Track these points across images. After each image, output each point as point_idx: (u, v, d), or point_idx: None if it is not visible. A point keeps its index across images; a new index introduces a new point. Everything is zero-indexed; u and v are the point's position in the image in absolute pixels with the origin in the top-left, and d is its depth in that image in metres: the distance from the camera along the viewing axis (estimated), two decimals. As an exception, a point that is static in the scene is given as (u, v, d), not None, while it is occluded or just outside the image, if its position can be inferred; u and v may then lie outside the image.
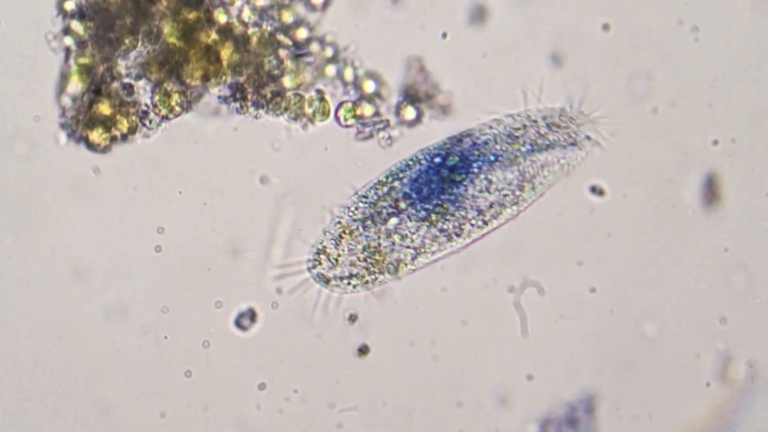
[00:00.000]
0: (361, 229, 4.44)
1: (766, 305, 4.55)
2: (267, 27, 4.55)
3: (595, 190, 4.56)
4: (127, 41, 4.49)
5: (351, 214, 4.45)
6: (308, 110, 4.58)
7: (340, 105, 4.60)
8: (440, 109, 4.61)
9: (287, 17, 4.56)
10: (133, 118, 4.53)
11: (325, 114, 4.59)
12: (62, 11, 4.53)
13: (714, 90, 4.60)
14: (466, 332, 4.64)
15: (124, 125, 4.53)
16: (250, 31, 4.54)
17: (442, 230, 4.43)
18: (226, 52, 4.51)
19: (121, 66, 4.51)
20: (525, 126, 4.45)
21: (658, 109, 4.63)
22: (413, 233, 4.43)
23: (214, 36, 4.51)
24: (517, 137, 4.44)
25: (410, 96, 4.60)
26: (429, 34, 4.60)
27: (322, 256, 4.47)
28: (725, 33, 4.62)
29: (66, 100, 4.54)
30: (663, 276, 4.58)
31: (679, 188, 4.62)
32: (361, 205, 4.45)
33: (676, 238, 4.58)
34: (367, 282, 4.48)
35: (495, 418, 4.66)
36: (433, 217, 4.42)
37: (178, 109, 4.54)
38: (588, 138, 4.45)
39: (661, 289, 4.59)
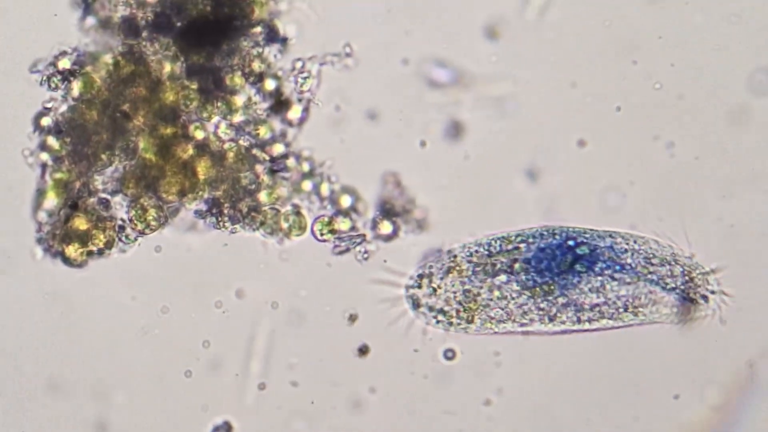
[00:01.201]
0: (471, 272, 4.40)
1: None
2: (243, 142, 4.58)
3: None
4: (103, 157, 4.51)
5: (468, 254, 4.42)
6: (284, 225, 4.59)
7: (316, 220, 4.62)
8: (416, 223, 4.63)
9: (264, 132, 4.59)
10: (110, 232, 4.54)
11: (302, 229, 4.60)
12: (38, 127, 4.55)
13: (686, 200, 4.62)
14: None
15: (100, 240, 4.53)
16: (227, 146, 4.56)
17: (539, 308, 4.42)
18: (202, 168, 4.54)
19: (98, 181, 4.53)
20: (665, 261, 4.46)
21: (636, 226, 4.65)
22: (513, 297, 4.42)
23: (190, 151, 4.54)
24: (652, 264, 4.44)
25: (386, 211, 4.62)
26: (405, 150, 4.63)
27: (425, 280, 4.43)
28: (701, 148, 4.65)
29: (42, 216, 4.55)
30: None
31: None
32: (481, 250, 4.43)
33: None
34: (451, 323, 4.45)
35: None
36: (538, 291, 4.42)
37: (154, 224, 4.54)
38: (705, 300, 4.48)
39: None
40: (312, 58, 4.60)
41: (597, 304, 4.46)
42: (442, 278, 4.47)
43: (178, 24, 4.49)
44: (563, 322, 4.48)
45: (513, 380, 4.64)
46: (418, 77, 4.65)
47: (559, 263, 4.42)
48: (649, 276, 4.47)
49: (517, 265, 4.45)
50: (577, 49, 4.65)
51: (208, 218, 4.56)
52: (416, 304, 4.50)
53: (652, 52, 4.64)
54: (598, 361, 4.59)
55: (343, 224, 4.61)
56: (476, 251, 4.49)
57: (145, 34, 4.50)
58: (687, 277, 4.50)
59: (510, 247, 4.48)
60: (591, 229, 4.52)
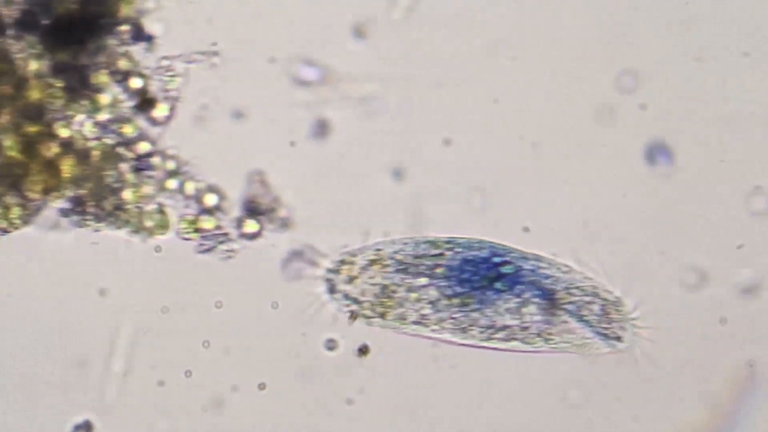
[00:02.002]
0: (392, 268, 4.40)
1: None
2: (109, 141, 4.57)
3: None
4: (-33, 154, 4.51)
5: (394, 251, 4.42)
6: (148, 224, 4.58)
7: (181, 218, 4.61)
8: (281, 222, 4.62)
9: (129, 131, 4.58)
10: (-27, 230, 4.53)
11: (165, 227, 4.59)
12: None
13: (554, 198, 4.62)
14: None
15: (-38, 238, 4.53)
16: (92, 144, 4.56)
17: (452, 317, 4.41)
18: (67, 166, 4.53)
19: (-38, 179, 4.53)
20: (585, 293, 4.46)
21: (498, 225, 4.65)
22: (429, 302, 4.41)
23: (55, 149, 4.53)
24: (572, 294, 4.46)
25: (251, 209, 4.61)
26: (271, 148, 4.63)
27: (345, 267, 4.43)
28: (567, 147, 4.66)
29: None
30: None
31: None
32: (408, 250, 4.42)
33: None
34: (363, 315, 4.46)
35: None
36: (456, 301, 4.41)
37: (17, 222, 4.53)
38: (619, 340, 4.49)
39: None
40: (178, 56, 4.60)
41: (510, 326, 4.44)
42: (361, 270, 4.45)
43: (45, 22, 4.49)
44: (474, 336, 4.46)
45: (382, 381, 4.62)
46: (285, 76, 4.65)
47: (481, 278, 4.41)
48: (569, 305, 4.45)
49: (439, 270, 4.44)
50: (444, 47, 4.66)
51: (72, 216, 4.54)
52: (332, 289, 4.46)
53: (520, 50, 4.65)
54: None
55: (207, 223, 4.60)
56: (402, 250, 4.47)
57: (10, 31, 4.50)
58: (604, 313, 4.48)
59: (437, 252, 4.47)
60: (518, 250, 4.49)
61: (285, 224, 4.63)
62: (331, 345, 4.59)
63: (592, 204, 4.66)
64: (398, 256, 4.49)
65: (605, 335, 4.48)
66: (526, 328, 4.45)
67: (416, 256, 4.48)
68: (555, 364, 4.57)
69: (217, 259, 4.62)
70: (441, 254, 4.47)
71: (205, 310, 4.63)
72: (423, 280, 4.45)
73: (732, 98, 4.66)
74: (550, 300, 4.43)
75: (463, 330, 4.45)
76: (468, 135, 4.66)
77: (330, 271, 4.52)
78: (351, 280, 4.49)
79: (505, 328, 4.45)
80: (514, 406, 4.62)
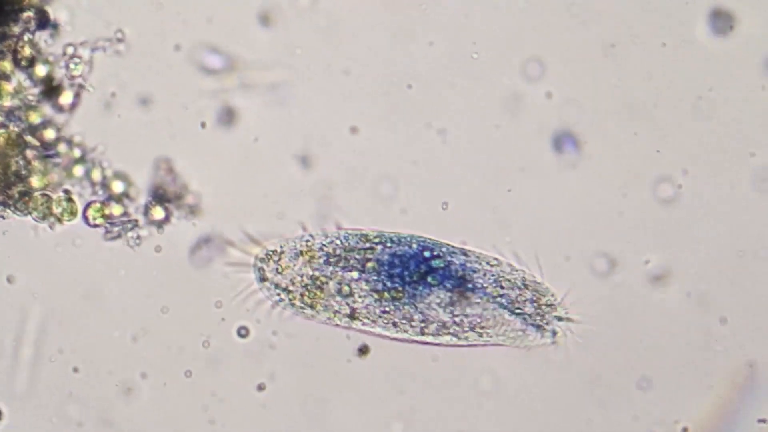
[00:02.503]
0: (322, 260, 4.43)
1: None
2: (14, 128, 4.57)
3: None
4: None
5: (324, 243, 4.44)
6: (56, 210, 4.59)
7: (88, 205, 4.62)
8: (189, 209, 4.63)
9: (35, 118, 4.58)
10: None
11: (73, 214, 4.60)
12: None
13: (454, 190, 4.64)
14: None
15: None
16: (-2, 131, 4.57)
17: (384, 311, 4.44)
18: (-28, 153, 4.53)
19: None
20: (515, 285, 4.48)
21: (406, 210, 4.66)
22: (360, 296, 4.44)
23: (-40, 137, 4.53)
24: (502, 287, 4.47)
25: (159, 196, 4.62)
26: (177, 135, 4.63)
27: (273, 258, 4.45)
28: (474, 136, 4.66)
29: None
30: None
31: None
32: (338, 242, 4.45)
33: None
34: (293, 305, 4.47)
35: None
36: (386, 295, 4.43)
37: (-77, 209, 4.55)
38: (554, 334, 4.48)
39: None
40: (83, 43, 4.59)
41: (440, 321, 4.45)
42: (292, 260, 4.45)
43: (-51, 8, 4.48)
44: (406, 331, 4.48)
45: (292, 369, 4.66)
46: (191, 63, 4.64)
47: (412, 273, 4.42)
48: (500, 299, 4.46)
49: (369, 265, 4.45)
50: (351, 36, 4.65)
51: (-22, 203, 4.56)
52: (262, 278, 4.48)
53: (428, 38, 4.64)
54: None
55: (115, 209, 4.61)
56: (332, 242, 4.48)
57: None
58: (536, 304, 4.50)
59: (367, 245, 4.48)
60: (448, 244, 4.51)
61: (192, 211, 4.64)
62: (243, 332, 4.61)
63: (500, 192, 4.67)
64: (328, 248, 4.50)
65: (539, 326, 4.50)
66: (458, 323, 4.46)
67: (347, 249, 4.49)
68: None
69: (124, 245, 4.63)
70: (371, 248, 4.48)
71: (114, 297, 4.65)
72: (354, 274, 4.46)
73: (638, 87, 4.66)
74: (459, 288, 4.45)
75: (395, 324, 4.47)
76: (375, 123, 4.65)
77: (260, 260, 4.51)
78: (281, 269, 4.50)
79: (438, 322, 4.46)
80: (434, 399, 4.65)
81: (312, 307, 4.49)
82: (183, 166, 4.63)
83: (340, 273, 4.46)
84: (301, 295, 4.49)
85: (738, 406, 4.60)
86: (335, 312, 4.49)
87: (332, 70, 4.65)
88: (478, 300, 4.49)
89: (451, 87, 4.65)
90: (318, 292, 4.46)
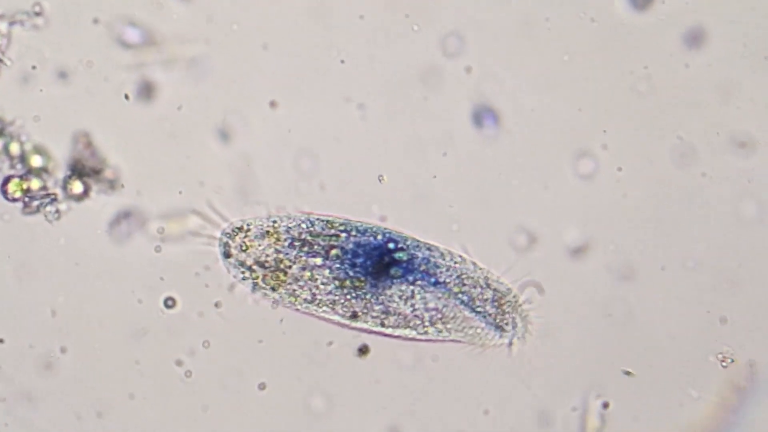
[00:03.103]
0: (286, 243, 4.42)
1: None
2: (-68, 101, 4.57)
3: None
4: None
5: (290, 226, 4.44)
6: (-26, 185, 4.59)
7: (6, 179, 4.61)
8: (108, 183, 4.63)
9: (-48, 92, 4.58)
10: None
11: (-9, 188, 4.60)
12: None
13: (374, 165, 4.64)
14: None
15: None
16: None
17: (344, 300, 4.45)
18: None
19: None
20: (477, 283, 4.49)
21: (324, 186, 4.66)
22: (322, 283, 4.45)
23: None
24: (464, 284, 4.47)
25: (77, 170, 4.61)
26: (96, 110, 4.62)
27: (239, 235, 4.46)
28: (392, 111, 4.66)
29: None
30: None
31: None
32: (303, 227, 4.44)
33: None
34: (256, 285, 4.47)
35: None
36: (348, 283, 4.43)
37: None
38: (514, 336, 4.51)
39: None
40: (1, 17, 4.58)
41: (400, 314, 4.45)
42: (258, 239, 4.44)
43: None
44: (366, 322, 4.48)
45: (218, 342, 4.66)
46: (110, 37, 4.63)
47: (375, 263, 4.42)
48: (461, 296, 4.46)
49: (333, 252, 4.44)
50: (270, 9, 4.64)
51: None
52: (227, 254, 4.48)
53: (346, 12, 4.64)
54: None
55: (33, 183, 4.61)
56: (298, 225, 4.47)
57: None
58: (496, 303, 4.49)
59: (332, 232, 4.47)
60: (414, 238, 4.51)
61: (111, 186, 4.63)
62: (169, 303, 4.61)
63: (420, 166, 4.67)
64: (293, 232, 4.48)
65: (498, 326, 4.50)
66: (418, 317, 4.46)
67: (312, 234, 4.47)
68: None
69: (43, 219, 4.63)
70: (336, 235, 4.47)
71: (35, 272, 4.65)
72: (318, 260, 4.45)
73: (558, 61, 4.66)
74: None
75: (354, 315, 4.46)
76: (294, 97, 4.65)
77: (226, 235, 4.50)
78: (245, 248, 4.48)
79: (397, 314, 4.45)
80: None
81: (274, 289, 4.48)
82: (102, 140, 4.62)
83: (304, 258, 4.45)
84: (264, 276, 4.47)
85: (738, 406, 4.60)
86: (296, 296, 4.47)
87: (251, 44, 4.63)
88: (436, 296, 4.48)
89: (370, 61, 4.65)
90: (281, 275, 4.45)
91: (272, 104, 4.66)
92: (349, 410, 4.66)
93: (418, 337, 4.51)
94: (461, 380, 4.65)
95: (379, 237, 4.47)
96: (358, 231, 4.48)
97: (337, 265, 4.45)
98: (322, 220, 4.51)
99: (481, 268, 4.52)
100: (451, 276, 4.48)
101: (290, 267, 4.46)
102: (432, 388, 4.64)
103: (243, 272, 4.50)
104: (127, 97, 4.53)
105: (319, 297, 4.46)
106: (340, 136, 4.66)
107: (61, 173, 4.63)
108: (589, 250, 4.66)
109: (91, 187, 4.63)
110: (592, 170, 4.69)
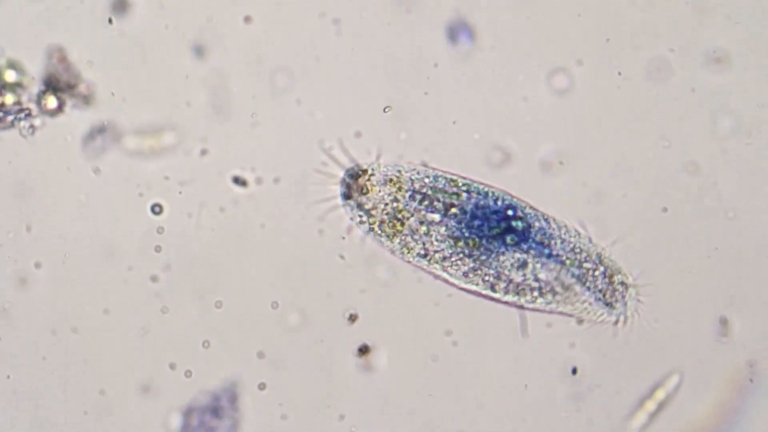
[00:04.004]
0: (407, 195, 4.41)
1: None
2: None
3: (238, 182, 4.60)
4: None
5: (413, 177, 4.43)
6: (-51, 99, 4.59)
7: (-19, 95, 4.62)
8: (82, 98, 4.63)
9: (-73, 6, 4.57)
10: None
11: (-35, 103, 4.60)
12: None
13: (359, 86, 4.63)
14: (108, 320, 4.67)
15: None
16: None
17: (456, 259, 4.43)
18: None
19: None
20: (589, 258, 4.47)
21: (300, 101, 4.66)
22: (437, 239, 4.43)
23: None
24: (577, 258, 4.46)
25: (52, 85, 4.61)
26: (70, 24, 4.61)
27: (363, 176, 4.44)
28: (368, 31, 4.65)
29: None
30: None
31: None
32: (426, 181, 4.43)
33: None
34: (372, 230, 4.45)
35: (139, 409, 4.67)
36: (461, 244, 4.41)
37: None
38: (623, 313, 4.49)
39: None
40: (-25, -70, 4.57)
41: (509, 280, 4.43)
42: (380, 185, 4.43)
43: None
44: (476, 284, 4.46)
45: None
46: (84, -48, 4.63)
47: (492, 227, 4.38)
48: (573, 269, 4.45)
49: (453, 211, 4.41)
50: (245, -76, 4.64)
51: None
52: (347, 195, 4.47)
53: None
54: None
55: (7, 98, 4.60)
56: (421, 179, 4.45)
57: None
58: (608, 280, 4.48)
59: (454, 189, 4.44)
60: (533, 208, 4.50)
61: (86, 101, 4.63)
62: (157, 209, 4.60)
63: (394, 82, 4.66)
64: (416, 185, 4.45)
65: (607, 303, 4.48)
66: (529, 286, 4.43)
67: (434, 189, 4.44)
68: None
69: (17, 135, 4.63)
70: (457, 194, 4.43)
71: (9, 187, 4.65)
72: (436, 216, 4.42)
73: (532, -24, 4.66)
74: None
75: (465, 274, 4.43)
76: (268, 12, 4.64)
77: (349, 176, 4.49)
78: (366, 191, 4.45)
79: (509, 281, 4.43)
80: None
81: (389, 237, 4.44)
82: (76, 55, 4.62)
83: (423, 212, 4.41)
84: (381, 222, 4.44)
85: (738, 406, 4.60)
86: (409, 248, 4.45)
87: (226, -41, 4.63)
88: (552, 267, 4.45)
89: (344, -24, 4.65)
90: (398, 225, 4.41)
91: (247, 19, 4.65)
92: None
93: (527, 305, 4.47)
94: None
95: (500, 202, 4.43)
96: (479, 193, 4.45)
97: (454, 224, 4.41)
98: (447, 178, 4.47)
99: (595, 244, 4.48)
100: (564, 249, 4.45)
101: (408, 219, 4.42)
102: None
103: (360, 215, 4.46)
104: (111, 21, 4.52)
105: (432, 253, 4.42)
106: (314, 51, 4.65)
107: (35, 88, 4.62)
108: (564, 166, 4.65)
109: (65, 102, 4.63)
110: (566, 86, 4.68)
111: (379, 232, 4.46)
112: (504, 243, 4.43)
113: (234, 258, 4.64)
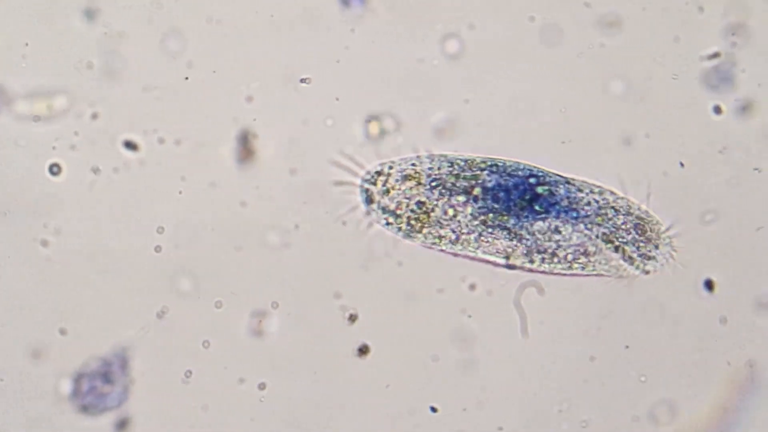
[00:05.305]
0: (428, 185, 4.40)
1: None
2: None
3: None
4: None
5: (430, 167, 4.41)
6: None
7: None
8: (-27, 62, 4.62)
9: None
10: None
11: None
12: None
13: (239, 42, 4.63)
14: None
15: None
16: None
17: (487, 233, 4.41)
18: None
19: None
20: (617, 212, 4.45)
21: (192, 63, 4.65)
22: (465, 220, 4.41)
23: None
24: (605, 214, 4.43)
25: (-58, 48, 4.61)
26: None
27: (381, 178, 4.42)
28: (260, -9, 4.67)
29: None
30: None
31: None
32: (445, 167, 4.42)
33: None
34: (400, 230, 4.44)
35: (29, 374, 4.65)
36: (490, 218, 4.38)
37: None
38: (659, 265, 4.46)
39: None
40: None
41: (541, 248, 4.41)
42: (398, 182, 4.41)
43: None
44: (507, 253, 4.44)
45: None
46: None
47: (517, 199, 4.37)
48: (603, 228, 4.41)
49: (476, 191, 4.40)
50: None
51: None
52: (369, 200, 4.45)
53: None
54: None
55: None
56: (439, 167, 4.44)
57: None
58: (639, 231, 4.45)
59: (473, 170, 4.43)
60: (554, 173, 4.47)
61: (-24, 64, 4.63)
62: (54, 170, 4.59)
63: (285, 44, 4.65)
64: (434, 173, 4.44)
65: (642, 254, 4.44)
66: (563, 252, 4.40)
67: (454, 174, 4.43)
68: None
69: None
70: (476, 174, 4.42)
71: None
72: (461, 198, 4.40)
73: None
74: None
75: (499, 253, 4.42)
76: (160, -25, 4.65)
77: (366, 181, 4.48)
78: (387, 191, 4.43)
79: (543, 250, 4.41)
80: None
81: (419, 231, 4.42)
82: (-35, 19, 4.62)
83: (447, 198, 4.41)
84: (408, 218, 4.42)
85: (738, 406, 4.59)
86: (440, 237, 4.43)
87: (118, -77, 4.64)
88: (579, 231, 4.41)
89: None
90: (423, 218, 4.39)
91: (138, -17, 4.65)
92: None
93: (564, 272, 4.46)
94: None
95: (520, 173, 4.41)
96: (498, 167, 4.43)
97: (480, 204, 4.39)
98: (463, 159, 4.46)
99: (621, 197, 4.45)
100: (592, 208, 4.41)
101: (433, 210, 4.40)
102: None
103: (387, 218, 4.45)
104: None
105: (463, 236, 4.40)
106: (205, 11, 4.64)
107: (-73, 52, 4.62)
108: (454, 131, 4.64)
109: (-45, 66, 4.62)
110: (457, 50, 4.67)
111: (408, 229, 4.41)
112: (534, 212, 4.37)
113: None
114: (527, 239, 4.40)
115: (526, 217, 4.40)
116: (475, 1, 4.65)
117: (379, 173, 4.48)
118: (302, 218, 4.60)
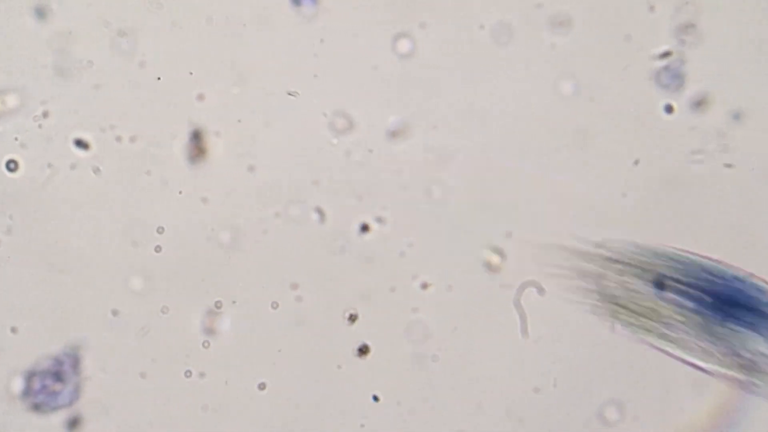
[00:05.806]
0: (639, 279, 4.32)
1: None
2: None
3: None
4: None
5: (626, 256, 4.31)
6: None
7: None
8: (-77, 60, 4.61)
9: None
10: None
11: None
12: None
13: (189, 41, 4.63)
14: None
15: None
16: None
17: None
18: None
19: None
20: None
21: (144, 63, 4.65)
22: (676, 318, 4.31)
23: None
24: None
25: None
26: None
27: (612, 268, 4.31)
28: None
29: None
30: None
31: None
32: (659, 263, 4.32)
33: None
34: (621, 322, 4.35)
35: (-20, 371, 4.65)
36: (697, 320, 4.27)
37: None
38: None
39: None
40: None
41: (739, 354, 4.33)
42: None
43: None
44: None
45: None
46: None
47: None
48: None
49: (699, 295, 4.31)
50: None
51: None
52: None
53: None
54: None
55: None
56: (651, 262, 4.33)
57: None
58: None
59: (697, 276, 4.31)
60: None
61: (-74, 63, 4.62)
62: (11, 166, 4.58)
63: (241, 45, 4.65)
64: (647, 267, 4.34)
65: None
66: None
67: (663, 273, 4.33)
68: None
69: None
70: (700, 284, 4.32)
71: None
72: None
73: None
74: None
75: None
76: (111, -26, 4.66)
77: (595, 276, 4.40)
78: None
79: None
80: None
81: (645, 329, 4.37)
82: None
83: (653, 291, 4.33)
84: (630, 312, 4.34)
85: (738, 407, 4.61)
86: (665, 336, 4.37)
87: None
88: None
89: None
90: (649, 313, 4.31)
91: (89, -19, 4.65)
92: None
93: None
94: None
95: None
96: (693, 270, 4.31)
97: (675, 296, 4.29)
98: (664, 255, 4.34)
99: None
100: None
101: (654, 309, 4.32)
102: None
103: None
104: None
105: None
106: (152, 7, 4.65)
107: None
108: (408, 131, 4.65)
109: None
110: (409, 50, 4.68)
111: (634, 322, 4.37)
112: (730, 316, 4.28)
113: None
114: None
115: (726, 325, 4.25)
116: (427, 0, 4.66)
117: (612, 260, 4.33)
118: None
